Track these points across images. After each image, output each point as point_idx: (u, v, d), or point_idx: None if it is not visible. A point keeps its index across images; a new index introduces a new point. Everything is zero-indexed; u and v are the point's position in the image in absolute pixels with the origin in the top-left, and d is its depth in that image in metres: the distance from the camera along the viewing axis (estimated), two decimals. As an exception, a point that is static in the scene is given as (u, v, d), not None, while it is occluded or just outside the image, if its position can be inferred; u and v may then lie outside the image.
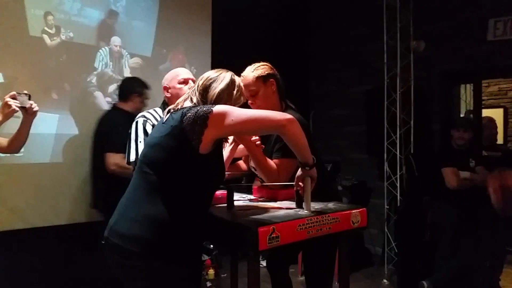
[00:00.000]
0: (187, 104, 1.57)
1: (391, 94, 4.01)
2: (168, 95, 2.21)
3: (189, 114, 1.46)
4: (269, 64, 2.10)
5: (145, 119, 2.15)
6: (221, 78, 1.61)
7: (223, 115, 1.45)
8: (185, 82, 2.16)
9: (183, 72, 2.22)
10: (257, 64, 2.07)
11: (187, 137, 1.44)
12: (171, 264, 1.45)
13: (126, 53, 3.50)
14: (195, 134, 1.44)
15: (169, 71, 2.30)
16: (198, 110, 1.46)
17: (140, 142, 2.05)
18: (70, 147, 3.14)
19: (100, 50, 3.35)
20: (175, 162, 1.48)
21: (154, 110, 2.25)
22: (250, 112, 1.52)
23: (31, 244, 2.92)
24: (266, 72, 2.04)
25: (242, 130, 1.53)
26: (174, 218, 1.45)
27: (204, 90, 1.59)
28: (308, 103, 5.27)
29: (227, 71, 1.66)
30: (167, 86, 2.22)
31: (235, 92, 1.62)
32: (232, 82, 1.62)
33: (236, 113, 1.47)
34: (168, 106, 1.97)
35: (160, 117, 2.14)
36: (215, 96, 1.57)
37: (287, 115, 1.53)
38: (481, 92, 4.19)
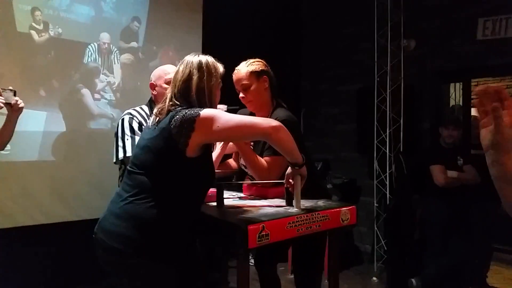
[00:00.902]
0: (173, 106, 1.54)
1: (381, 93, 4.03)
2: (155, 93, 2.20)
3: (177, 116, 1.45)
4: (263, 61, 2.11)
5: (131, 116, 2.13)
6: (191, 73, 1.57)
7: (210, 120, 1.44)
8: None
9: (171, 71, 2.16)
10: (252, 60, 2.08)
11: (174, 140, 1.44)
12: (154, 262, 1.46)
13: (115, 49, 3.46)
14: (182, 137, 1.43)
15: (157, 67, 2.28)
16: (186, 113, 1.45)
17: (127, 139, 2.03)
18: (59, 145, 3.11)
19: (89, 46, 3.31)
20: (163, 165, 1.48)
21: (141, 108, 2.22)
22: (237, 118, 1.50)
23: (19, 243, 2.89)
24: (260, 68, 2.04)
25: (228, 136, 1.53)
26: (160, 218, 1.45)
27: (183, 93, 1.56)
28: (300, 101, 5.27)
29: (193, 56, 1.61)
30: (154, 83, 2.20)
31: (205, 78, 1.57)
32: (199, 70, 1.57)
33: (223, 119, 1.46)
34: (154, 104, 1.95)
35: (147, 114, 2.12)
36: (194, 92, 1.55)
37: (273, 122, 1.52)
38: (470, 91, 4.22)
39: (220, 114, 1.48)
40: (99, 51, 3.37)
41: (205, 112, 1.46)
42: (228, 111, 2.23)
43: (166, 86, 2.11)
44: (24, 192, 2.93)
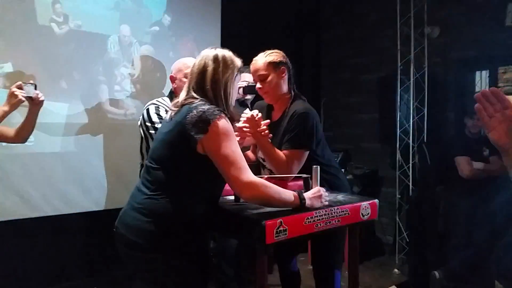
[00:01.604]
0: (189, 99, 1.54)
1: (404, 81, 3.93)
2: (175, 85, 2.21)
3: (194, 112, 1.45)
4: (282, 52, 2.07)
5: (157, 105, 2.17)
6: (206, 65, 1.56)
7: (216, 136, 1.43)
8: None
9: (191, 64, 2.17)
10: (270, 51, 2.05)
11: (188, 135, 1.43)
12: (172, 257, 1.47)
13: (135, 41, 3.47)
14: (194, 135, 1.43)
15: (177, 60, 2.29)
16: (204, 111, 1.44)
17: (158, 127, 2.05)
18: (81, 136, 3.15)
19: (110, 38, 3.32)
20: (178, 159, 1.49)
21: (163, 99, 2.26)
22: (230, 160, 1.44)
23: (42, 233, 2.96)
24: (278, 59, 2.01)
25: (214, 162, 1.48)
26: (176, 213, 1.46)
27: (199, 85, 1.55)
28: (320, 90, 5.19)
29: (208, 51, 1.61)
30: (174, 76, 2.22)
31: (220, 70, 1.56)
32: (215, 61, 1.56)
33: (222, 149, 1.44)
34: (175, 96, 1.96)
35: (169, 106, 2.13)
36: (209, 83, 1.54)
37: (254, 188, 1.45)
38: (497, 79, 4.08)
39: (225, 140, 1.45)
40: (119, 43, 3.38)
41: (223, 124, 1.45)
42: (247, 87, 2.22)
43: (185, 80, 2.10)
44: (47, 183, 2.99)
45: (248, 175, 1.46)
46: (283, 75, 2.02)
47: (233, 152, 1.46)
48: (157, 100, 2.25)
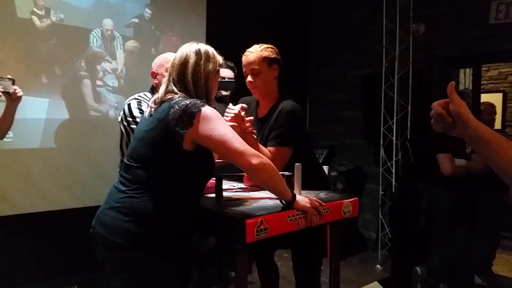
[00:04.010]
0: (169, 95, 1.52)
1: (389, 79, 3.95)
2: (156, 81, 2.17)
3: (176, 107, 1.42)
4: (276, 49, 2.05)
5: (138, 100, 2.14)
6: (188, 56, 1.54)
7: (208, 121, 1.42)
8: None
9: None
10: (265, 45, 2.03)
11: (172, 131, 1.41)
12: (154, 257, 1.44)
13: (118, 35, 3.41)
14: (180, 130, 1.40)
15: (159, 55, 2.25)
16: (187, 106, 1.42)
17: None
18: (61, 132, 3.09)
19: (92, 32, 3.26)
20: (160, 157, 1.46)
21: (145, 94, 2.22)
22: (229, 136, 1.43)
23: (21, 231, 2.90)
24: (273, 56, 2.00)
25: (213, 148, 1.47)
26: (158, 212, 1.44)
27: (179, 77, 1.53)
28: (306, 87, 5.19)
29: (190, 45, 1.59)
30: (155, 72, 2.18)
31: (202, 62, 1.54)
32: (197, 54, 1.54)
33: (218, 129, 1.42)
34: (156, 92, 1.93)
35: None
36: (190, 75, 1.52)
37: (262, 159, 1.44)
38: (480, 77, 4.13)
39: (218, 123, 1.44)
40: (102, 38, 3.32)
41: (207, 110, 1.43)
42: (223, 83, 2.16)
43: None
44: (27, 179, 2.93)
45: (256, 154, 1.44)
46: (275, 72, 2.01)
47: (230, 131, 1.47)
48: (138, 95, 2.21)
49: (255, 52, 1.98)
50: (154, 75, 2.18)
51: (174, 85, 1.52)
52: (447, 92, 1.04)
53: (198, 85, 1.52)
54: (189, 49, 1.56)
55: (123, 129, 2.20)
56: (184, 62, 1.54)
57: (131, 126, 2.10)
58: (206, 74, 1.54)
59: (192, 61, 1.53)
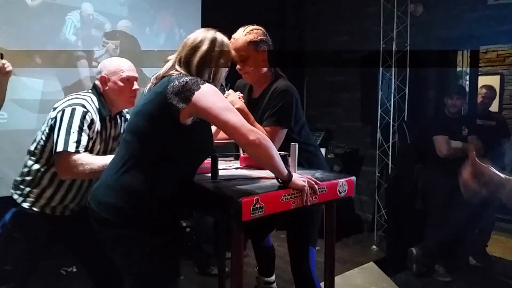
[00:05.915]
0: (170, 71, 1.49)
1: (386, 60, 3.92)
2: (106, 88, 1.86)
3: (176, 82, 1.40)
4: (262, 29, 2.00)
5: (85, 110, 1.77)
6: (202, 42, 1.51)
7: (207, 98, 1.39)
8: (129, 81, 1.86)
9: (127, 68, 1.89)
10: (250, 27, 1.97)
11: (168, 104, 1.39)
12: (144, 233, 1.45)
13: (114, 14, 3.35)
14: (177, 104, 1.38)
15: (109, 59, 1.98)
16: (187, 82, 1.40)
17: (73, 132, 1.71)
18: (57, 113, 3.07)
19: (87, 10, 3.20)
20: (157, 131, 1.44)
21: (90, 98, 1.86)
22: (228, 112, 1.41)
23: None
24: (258, 38, 1.95)
25: (212, 120, 1.44)
26: (149, 188, 1.43)
27: (187, 59, 1.50)
28: (304, 69, 5.15)
29: (208, 31, 1.56)
30: (107, 77, 1.86)
31: (214, 54, 1.51)
32: (212, 43, 1.52)
33: (217, 105, 1.40)
34: (104, 98, 1.83)
35: (97, 108, 1.85)
36: (196, 62, 1.49)
37: (259, 136, 1.42)
38: (478, 59, 4.10)
39: (217, 99, 1.42)
40: (97, 16, 3.27)
41: (206, 88, 1.41)
42: None
43: (121, 84, 1.85)
44: (23, 160, 2.91)
45: (253, 129, 1.43)
46: (264, 54, 1.98)
47: (230, 106, 1.46)
48: (85, 101, 1.83)
49: (239, 38, 1.94)
50: (105, 80, 1.87)
51: (179, 66, 1.50)
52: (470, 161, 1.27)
53: (203, 72, 1.49)
54: (205, 35, 1.53)
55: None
56: (195, 46, 1.51)
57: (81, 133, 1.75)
58: (215, 65, 1.52)
59: (204, 48, 1.50)
